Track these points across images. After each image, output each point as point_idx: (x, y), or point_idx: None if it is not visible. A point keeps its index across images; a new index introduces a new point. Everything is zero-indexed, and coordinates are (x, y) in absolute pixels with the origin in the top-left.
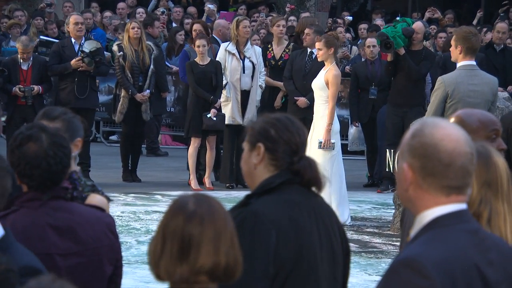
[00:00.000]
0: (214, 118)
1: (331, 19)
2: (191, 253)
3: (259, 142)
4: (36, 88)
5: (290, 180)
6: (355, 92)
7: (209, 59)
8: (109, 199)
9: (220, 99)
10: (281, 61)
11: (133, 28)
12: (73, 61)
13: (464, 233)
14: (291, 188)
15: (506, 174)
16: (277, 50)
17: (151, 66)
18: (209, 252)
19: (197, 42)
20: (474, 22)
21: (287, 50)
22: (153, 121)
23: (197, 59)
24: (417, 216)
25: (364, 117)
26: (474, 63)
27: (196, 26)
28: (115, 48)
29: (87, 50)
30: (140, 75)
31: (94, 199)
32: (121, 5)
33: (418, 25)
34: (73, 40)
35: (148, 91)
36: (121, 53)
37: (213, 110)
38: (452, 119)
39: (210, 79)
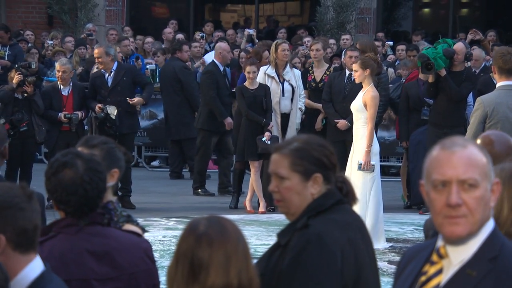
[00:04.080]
0: (269, 142)
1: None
2: (201, 274)
3: (316, 172)
4: (80, 114)
5: (340, 200)
6: (406, 112)
7: (258, 83)
8: (144, 230)
9: (271, 121)
10: (321, 84)
11: None
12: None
13: None
14: (340, 207)
15: None
16: (318, 72)
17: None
18: (218, 274)
19: (248, 68)
20: None
21: (327, 73)
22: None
23: (246, 84)
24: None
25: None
26: None
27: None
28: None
29: (109, 111)
30: None
31: (129, 228)
32: (167, 30)
33: (459, 46)
34: (102, 70)
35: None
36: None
37: (267, 134)
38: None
39: (261, 103)
